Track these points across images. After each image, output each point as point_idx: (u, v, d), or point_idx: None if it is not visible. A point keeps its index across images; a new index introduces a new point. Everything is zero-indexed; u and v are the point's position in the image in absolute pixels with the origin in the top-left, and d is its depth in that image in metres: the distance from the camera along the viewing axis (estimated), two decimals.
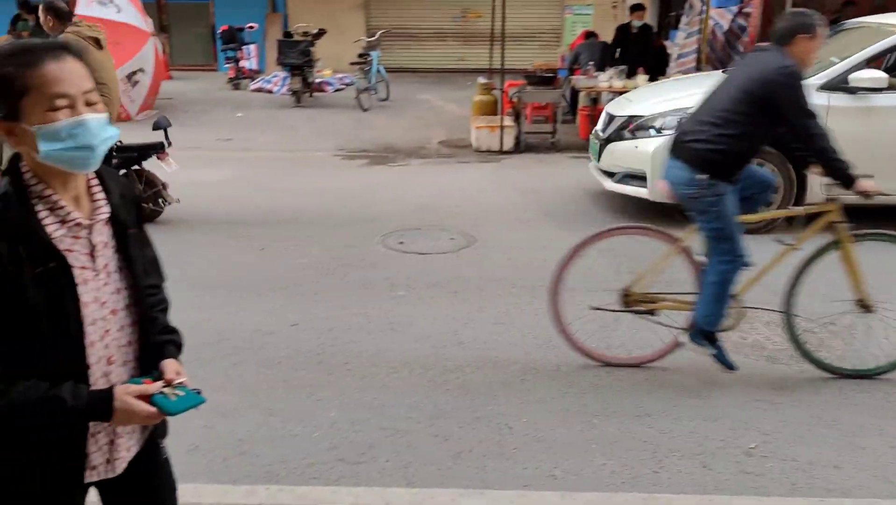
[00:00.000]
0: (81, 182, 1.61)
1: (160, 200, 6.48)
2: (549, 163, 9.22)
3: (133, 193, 1.76)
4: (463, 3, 17.09)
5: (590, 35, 12.05)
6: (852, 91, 6.14)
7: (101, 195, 1.64)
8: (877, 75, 6.12)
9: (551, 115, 10.32)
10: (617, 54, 10.48)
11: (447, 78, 16.03)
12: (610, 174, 6.84)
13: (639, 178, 6.50)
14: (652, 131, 6.50)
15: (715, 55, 11.42)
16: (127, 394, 1.56)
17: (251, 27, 15.52)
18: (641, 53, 10.33)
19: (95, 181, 1.64)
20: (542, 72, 10.83)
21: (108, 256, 1.63)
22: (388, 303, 4.91)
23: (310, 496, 3.02)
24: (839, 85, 6.16)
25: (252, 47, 15.69)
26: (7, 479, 1.57)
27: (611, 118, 7.03)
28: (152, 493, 1.83)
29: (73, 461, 1.62)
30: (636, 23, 10.59)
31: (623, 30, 10.72)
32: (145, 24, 11.62)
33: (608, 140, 6.86)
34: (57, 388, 1.50)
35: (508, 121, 9.85)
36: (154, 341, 1.73)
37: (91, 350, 1.59)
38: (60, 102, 1.49)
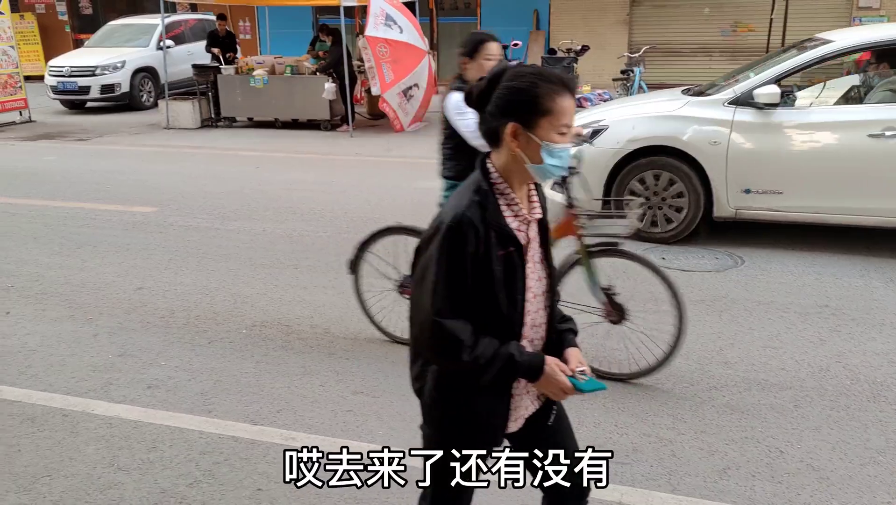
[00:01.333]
0: (528, 186, 1.98)
1: None
2: None
3: (544, 199, 2.09)
4: (735, 15, 16.39)
5: None
6: (760, 106, 5.96)
7: (536, 198, 2.00)
8: (772, 91, 5.91)
9: None
10: None
11: None
12: None
13: None
14: None
15: None
16: (556, 365, 1.92)
17: (515, 44, 16.13)
18: None
19: (534, 187, 2.01)
20: None
21: (535, 248, 1.98)
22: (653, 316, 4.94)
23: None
24: (746, 100, 6.02)
25: (513, 63, 16.33)
26: (464, 419, 1.97)
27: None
28: (555, 439, 2.11)
29: (503, 412, 1.99)
30: None
31: None
32: (422, 42, 12.60)
33: None
34: (505, 345, 1.87)
35: None
36: (557, 328, 2.07)
37: (526, 320, 1.95)
38: (564, 130, 1.86)
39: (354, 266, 4.47)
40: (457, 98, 3.76)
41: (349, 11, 14.16)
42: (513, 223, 1.90)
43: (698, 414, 3.73)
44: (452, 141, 3.96)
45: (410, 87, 12.20)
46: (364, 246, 4.44)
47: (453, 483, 1.98)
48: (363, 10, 13.25)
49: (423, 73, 12.44)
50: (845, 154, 5.86)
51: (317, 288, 5.52)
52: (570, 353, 2.01)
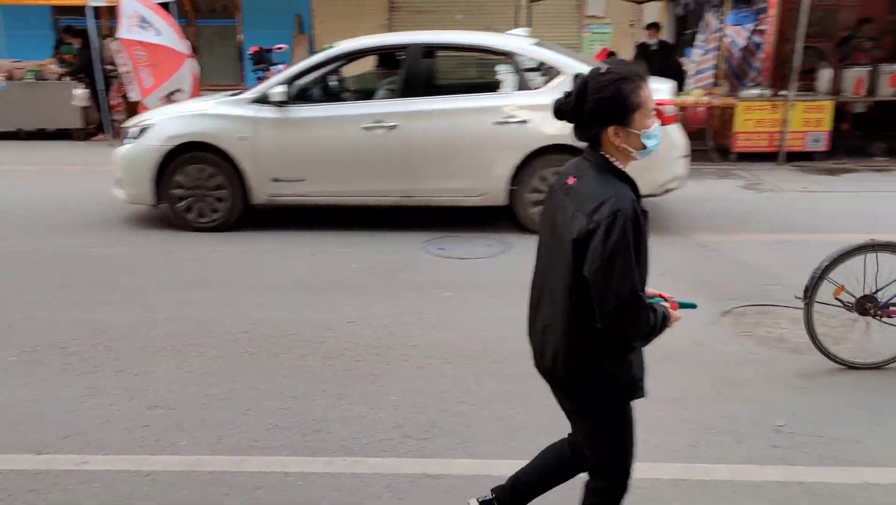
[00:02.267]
0: None
1: None
2: None
3: None
4: (486, 21, 17.53)
5: (611, 54, 12.47)
6: (276, 104, 6.79)
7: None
8: (281, 90, 6.77)
9: None
10: None
11: None
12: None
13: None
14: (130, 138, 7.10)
15: (732, 71, 11.79)
16: (672, 309, 2.32)
17: (280, 48, 16.02)
18: (661, 71, 10.69)
19: None
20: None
21: None
22: (438, 302, 5.28)
23: (382, 466, 3.37)
24: (265, 99, 6.83)
25: (281, 67, 16.19)
26: (633, 365, 2.27)
27: None
28: None
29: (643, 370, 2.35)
30: (651, 41, 10.96)
31: (642, 48, 11.10)
32: (182, 46, 12.12)
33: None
34: (656, 307, 2.23)
35: None
36: None
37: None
38: (654, 112, 2.18)
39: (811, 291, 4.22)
40: None
41: (96, 12, 13.21)
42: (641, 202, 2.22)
43: (485, 387, 4.09)
44: None
45: (173, 92, 11.67)
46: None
47: (631, 428, 2.35)
48: (111, 10, 12.44)
49: (185, 76, 11.96)
50: (346, 144, 6.79)
51: (94, 305, 5.21)
52: (651, 291, 2.35)
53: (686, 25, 14.39)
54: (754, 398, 3.92)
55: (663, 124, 6.45)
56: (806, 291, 4.26)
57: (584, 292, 2.13)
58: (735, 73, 11.88)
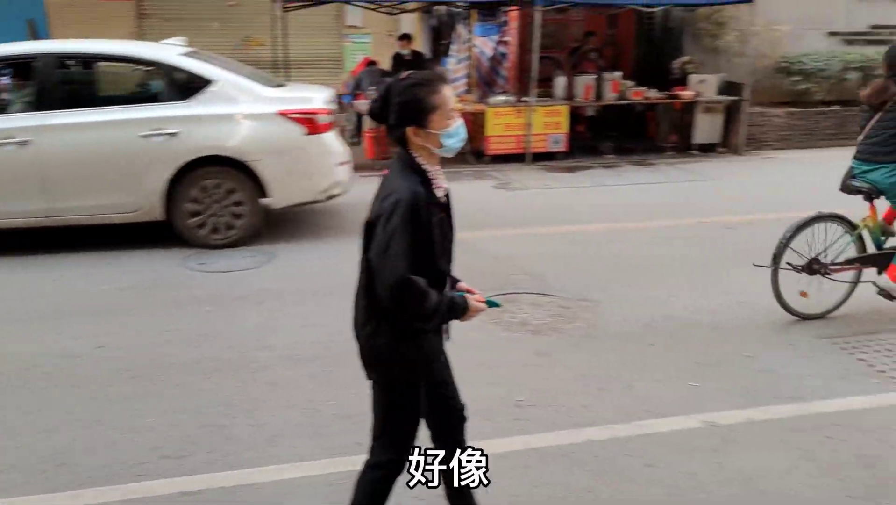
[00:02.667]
0: (438, 164, 2.45)
1: None
2: None
3: None
4: (245, 30, 17.17)
5: (371, 63, 12.79)
6: None
7: (442, 174, 2.47)
8: None
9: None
10: None
11: None
12: None
13: None
14: None
15: (482, 79, 12.61)
16: (470, 297, 2.48)
17: None
18: None
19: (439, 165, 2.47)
20: None
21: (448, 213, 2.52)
22: (198, 318, 5.15)
23: (136, 491, 3.26)
24: None
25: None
26: (424, 347, 2.47)
27: None
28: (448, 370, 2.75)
29: (439, 354, 2.59)
30: (404, 51, 11.43)
31: (397, 58, 11.52)
32: None
33: None
34: (444, 293, 2.42)
35: None
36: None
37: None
38: (452, 113, 2.37)
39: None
40: None
41: None
42: (438, 193, 2.42)
43: (246, 396, 4.08)
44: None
45: None
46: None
47: (416, 408, 2.55)
48: None
49: None
50: None
51: None
52: (462, 286, 2.60)
53: (441, 36, 15.13)
54: (500, 379, 4.29)
55: (318, 133, 6.72)
56: (774, 258, 4.95)
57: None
58: (485, 81, 12.72)
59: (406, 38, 11.53)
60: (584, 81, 11.05)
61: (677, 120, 11.93)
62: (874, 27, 12.61)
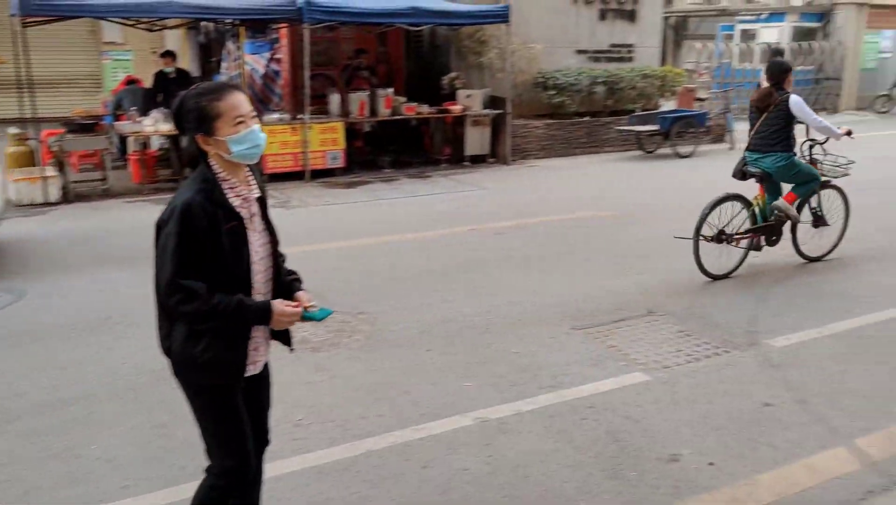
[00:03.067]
0: (244, 171, 2.48)
1: None
2: (102, 210, 9.10)
3: (263, 182, 2.62)
4: None
5: (132, 81, 12.08)
6: None
7: (253, 180, 2.52)
8: None
9: (100, 161, 10.12)
10: (159, 99, 10.72)
11: None
12: None
13: None
14: None
15: (255, 97, 12.39)
16: (280, 303, 2.44)
17: None
18: None
19: (249, 171, 2.51)
20: (82, 119, 10.55)
21: (257, 220, 2.51)
22: None
23: None
24: None
25: None
26: (217, 349, 2.40)
27: None
28: (264, 390, 2.75)
29: (240, 358, 2.49)
30: (168, 69, 10.95)
31: (161, 76, 11.00)
32: None
33: None
34: (233, 295, 2.35)
35: (51, 171, 9.44)
36: (283, 280, 2.61)
37: (254, 279, 2.48)
38: (240, 120, 2.36)
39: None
40: (798, 98, 6.18)
41: None
42: (235, 202, 2.41)
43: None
44: (779, 124, 6.16)
45: None
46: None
47: (228, 412, 2.50)
48: None
49: None
50: None
51: None
52: (299, 295, 2.56)
53: (211, 53, 14.65)
54: (278, 399, 4.20)
55: None
56: (696, 231, 6.14)
57: None
58: (259, 99, 12.52)
59: (170, 55, 11.02)
60: (358, 98, 11.24)
61: (450, 133, 12.50)
62: (614, 45, 14.04)
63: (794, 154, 6.28)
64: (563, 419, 4.01)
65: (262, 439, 2.78)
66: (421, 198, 9.82)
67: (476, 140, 12.17)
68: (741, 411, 4.09)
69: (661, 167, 12.21)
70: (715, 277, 6.28)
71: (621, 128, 13.29)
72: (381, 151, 12.18)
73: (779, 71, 6.29)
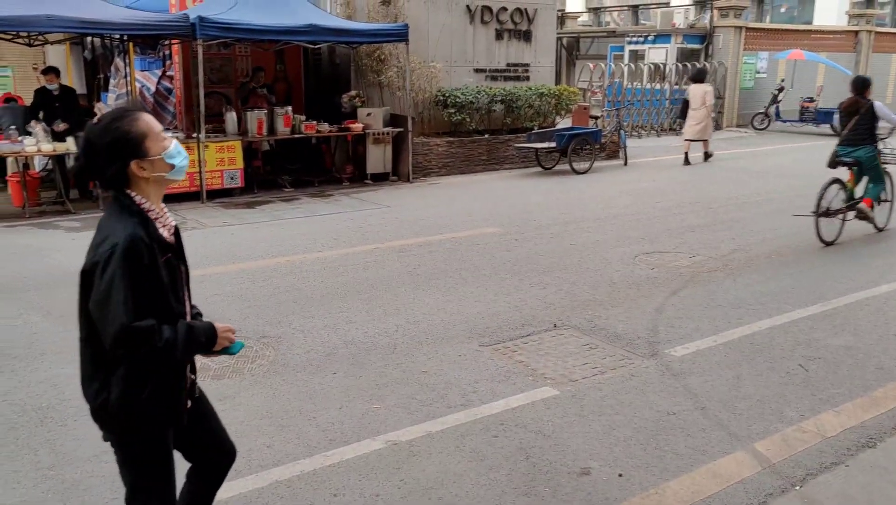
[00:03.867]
0: (160, 203, 2.35)
1: None
2: None
3: None
4: None
5: (10, 99, 11.39)
6: None
7: (167, 211, 2.38)
8: None
9: None
10: (41, 116, 10.12)
11: None
12: None
13: None
14: None
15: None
16: (218, 324, 2.36)
17: None
18: (65, 115, 10.20)
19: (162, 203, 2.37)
20: None
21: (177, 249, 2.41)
22: None
23: None
24: None
25: None
26: (163, 393, 2.30)
27: None
28: (203, 403, 2.61)
29: (184, 396, 2.40)
30: (51, 86, 10.38)
31: (43, 93, 10.40)
32: None
33: None
34: (176, 324, 2.24)
35: None
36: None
37: (188, 306, 2.43)
38: (164, 135, 2.28)
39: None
40: (880, 103, 8.16)
41: None
42: (164, 233, 2.30)
43: None
44: (868, 124, 8.04)
45: None
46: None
47: (161, 462, 2.37)
48: None
49: None
50: None
51: None
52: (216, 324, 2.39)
53: (97, 70, 13.99)
54: None
55: None
56: (815, 210, 7.98)
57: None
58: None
59: (52, 71, 10.44)
60: (256, 116, 10.98)
61: (351, 152, 12.40)
62: (511, 65, 14.33)
63: (878, 146, 8.20)
64: (474, 438, 3.98)
65: (226, 451, 2.66)
66: (322, 217, 9.66)
67: (378, 158, 12.11)
68: (646, 421, 4.18)
69: (560, 183, 12.50)
70: (828, 244, 8.07)
71: (520, 145, 13.55)
72: (281, 171, 11.94)
73: (862, 85, 8.11)
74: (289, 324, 5.65)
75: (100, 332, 2.16)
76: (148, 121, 2.25)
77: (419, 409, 4.32)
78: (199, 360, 4.99)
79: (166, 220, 2.34)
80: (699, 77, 14.63)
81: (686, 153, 14.35)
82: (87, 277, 2.18)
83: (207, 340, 2.32)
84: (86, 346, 2.26)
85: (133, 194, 2.25)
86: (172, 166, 2.28)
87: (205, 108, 10.49)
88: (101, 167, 2.22)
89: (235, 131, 10.96)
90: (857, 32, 24.12)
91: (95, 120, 2.25)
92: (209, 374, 4.73)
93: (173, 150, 2.28)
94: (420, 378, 4.74)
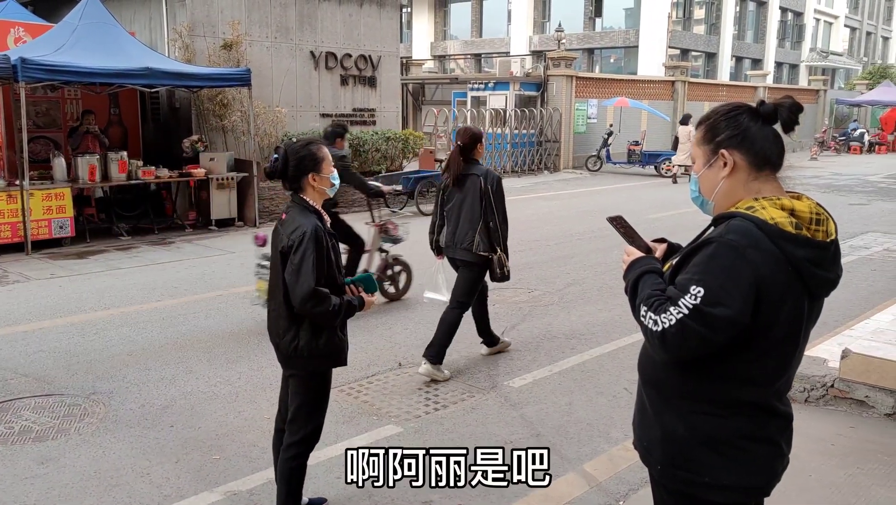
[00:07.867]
0: None
1: None
2: None
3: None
4: None
5: None
6: None
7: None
8: None
9: None
10: None
11: None
12: None
13: None
14: None
15: None
16: (368, 301, 3.39)
17: None
18: None
19: None
20: None
21: None
22: None
23: None
24: None
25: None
26: (335, 341, 3.31)
27: None
28: None
29: (346, 345, 3.44)
30: None
31: None
32: None
33: None
34: (341, 297, 3.24)
35: None
36: None
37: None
38: (332, 164, 3.31)
39: None
40: None
41: None
42: (327, 226, 3.24)
43: None
44: None
45: None
46: None
47: (326, 392, 3.44)
48: None
49: None
50: None
51: None
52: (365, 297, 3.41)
53: None
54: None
55: None
56: None
57: None
58: None
59: None
60: (87, 162, 10.47)
61: (194, 197, 12.04)
62: (357, 109, 14.56)
63: None
64: (316, 482, 3.96)
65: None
66: (163, 265, 9.29)
67: (222, 204, 11.83)
68: None
69: (405, 225, 12.72)
70: None
71: None
72: (117, 218, 11.39)
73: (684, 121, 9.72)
74: (122, 378, 5.39)
75: (290, 294, 3.08)
76: (327, 152, 3.27)
77: (260, 456, 4.25)
78: (19, 421, 4.69)
79: (325, 216, 3.26)
80: (685, 121, 18.66)
81: (675, 174, 18.72)
82: (284, 255, 3.12)
83: (359, 308, 3.29)
84: (284, 306, 3.16)
85: (307, 198, 3.22)
86: (333, 184, 3.27)
87: (30, 154, 9.87)
88: (289, 173, 3.21)
89: (65, 178, 10.37)
90: (673, 82, 26.46)
91: (295, 140, 3.15)
92: (30, 436, 4.43)
93: (335, 175, 3.31)
94: (262, 424, 4.66)
